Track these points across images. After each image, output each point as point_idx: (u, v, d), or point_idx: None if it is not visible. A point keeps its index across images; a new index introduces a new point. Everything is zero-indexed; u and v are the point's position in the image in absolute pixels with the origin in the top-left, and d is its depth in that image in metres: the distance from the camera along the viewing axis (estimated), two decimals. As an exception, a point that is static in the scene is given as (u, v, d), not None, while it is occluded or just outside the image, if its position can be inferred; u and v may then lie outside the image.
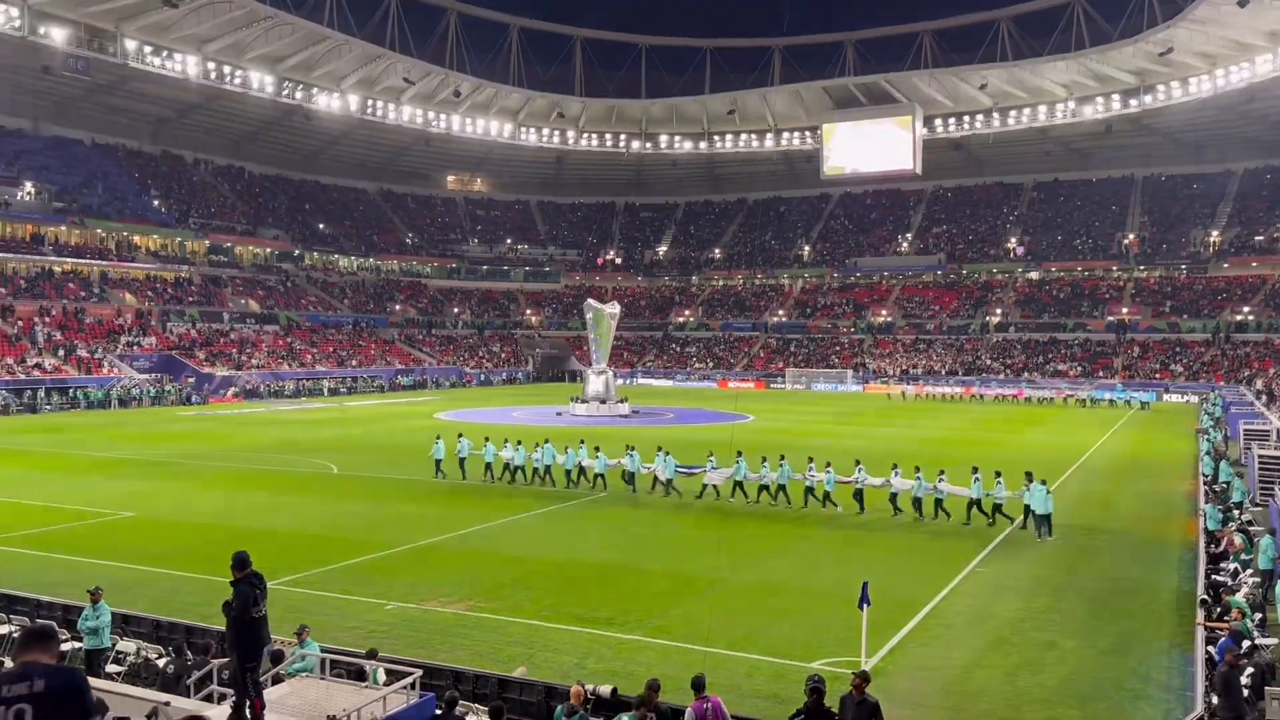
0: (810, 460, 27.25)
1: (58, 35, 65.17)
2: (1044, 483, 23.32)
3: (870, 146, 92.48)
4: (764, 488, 27.12)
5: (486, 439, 31.82)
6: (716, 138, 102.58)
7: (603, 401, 55.42)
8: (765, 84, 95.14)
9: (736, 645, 14.75)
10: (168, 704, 9.51)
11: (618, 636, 15.25)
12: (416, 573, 19.17)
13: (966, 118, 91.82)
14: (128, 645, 13.71)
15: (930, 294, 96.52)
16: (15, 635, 14.41)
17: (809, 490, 26.38)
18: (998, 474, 24.67)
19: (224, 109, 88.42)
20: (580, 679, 11.67)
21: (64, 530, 22.92)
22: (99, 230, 77.40)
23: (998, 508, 24.08)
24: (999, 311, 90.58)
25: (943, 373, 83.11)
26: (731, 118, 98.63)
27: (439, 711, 10.40)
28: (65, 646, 13.84)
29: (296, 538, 22.23)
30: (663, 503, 27.36)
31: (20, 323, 64.84)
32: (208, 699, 10.94)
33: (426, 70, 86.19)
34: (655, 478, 28.69)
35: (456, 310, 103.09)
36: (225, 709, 9.66)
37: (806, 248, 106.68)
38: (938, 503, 24.70)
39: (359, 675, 11.45)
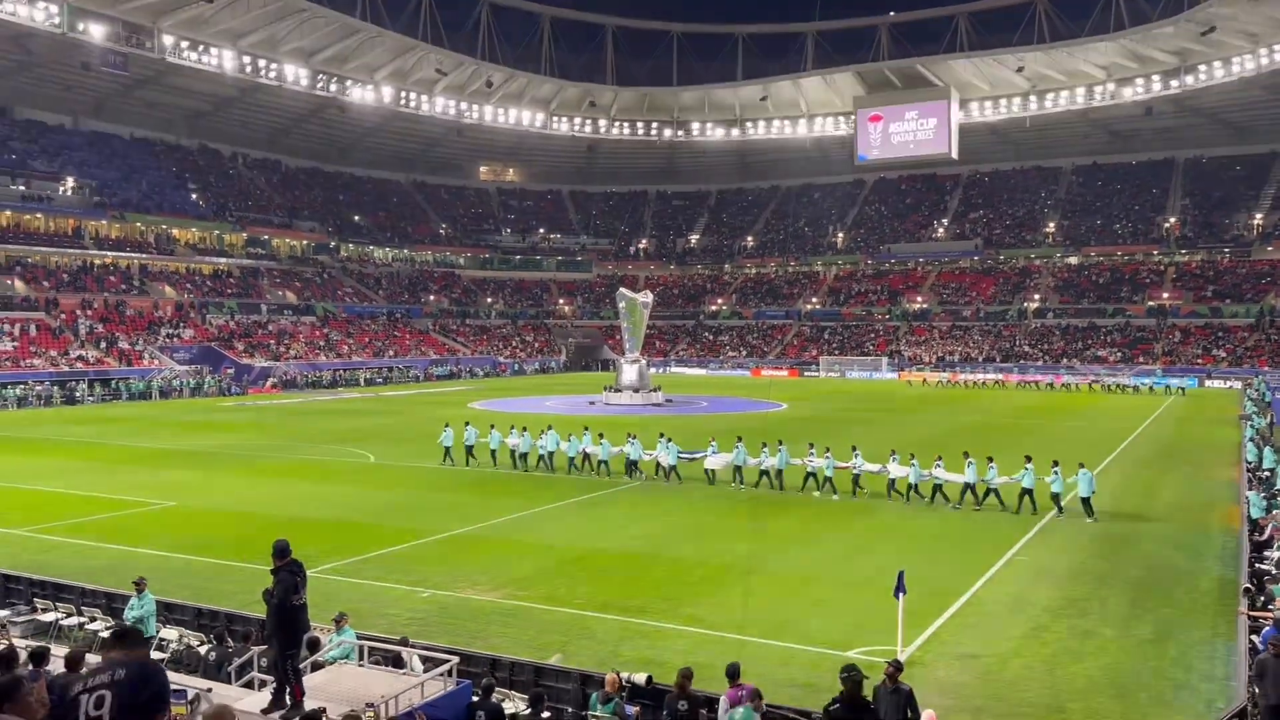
0: (811, 446, 27.42)
1: (96, 32, 66.07)
2: (1056, 464, 23.76)
3: (905, 131, 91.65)
4: (763, 473, 27.35)
5: (492, 426, 32.27)
6: (749, 125, 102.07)
7: (636, 390, 55.44)
8: (798, 70, 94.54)
9: (771, 634, 14.71)
10: (209, 690, 9.65)
11: (653, 625, 15.26)
12: (452, 561, 19.29)
13: (1003, 101, 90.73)
14: (170, 633, 13.92)
15: (967, 280, 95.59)
16: (61, 621, 14.70)
17: (809, 475, 26.53)
18: (990, 459, 25.03)
19: (260, 102, 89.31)
20: (615, 667, 11.71)
21: (107, 519, 23.30)
22: (138, 224, 78.51)
23: (991, 492, 24.27)
24: (1037, 297, 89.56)
25: (979, 359, 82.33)
26: (764, 104, 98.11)
27: (475, 698, 10.47)
28: (108, 634, 14.08)
29: (334, 526, 22.45)
30: (697, 492, 27.32)
31: (63, 315, 65.94)
32: (248, 686, 11.09)
33: (459, 61, 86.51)
34: (658, 464, 28.82)
35: (490, 300, 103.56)
36: (265, 696, 9.78)
37: (840, 234, 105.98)
38: (936, 488, 24.89)
39: (396, 662, 11.54)
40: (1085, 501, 23.18)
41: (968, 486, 24.44)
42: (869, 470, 26.06)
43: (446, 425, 32.57)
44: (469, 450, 31.64)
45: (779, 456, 27.06)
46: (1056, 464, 24.20)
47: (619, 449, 29.59)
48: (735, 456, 27.62)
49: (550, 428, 31.51)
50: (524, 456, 30.76)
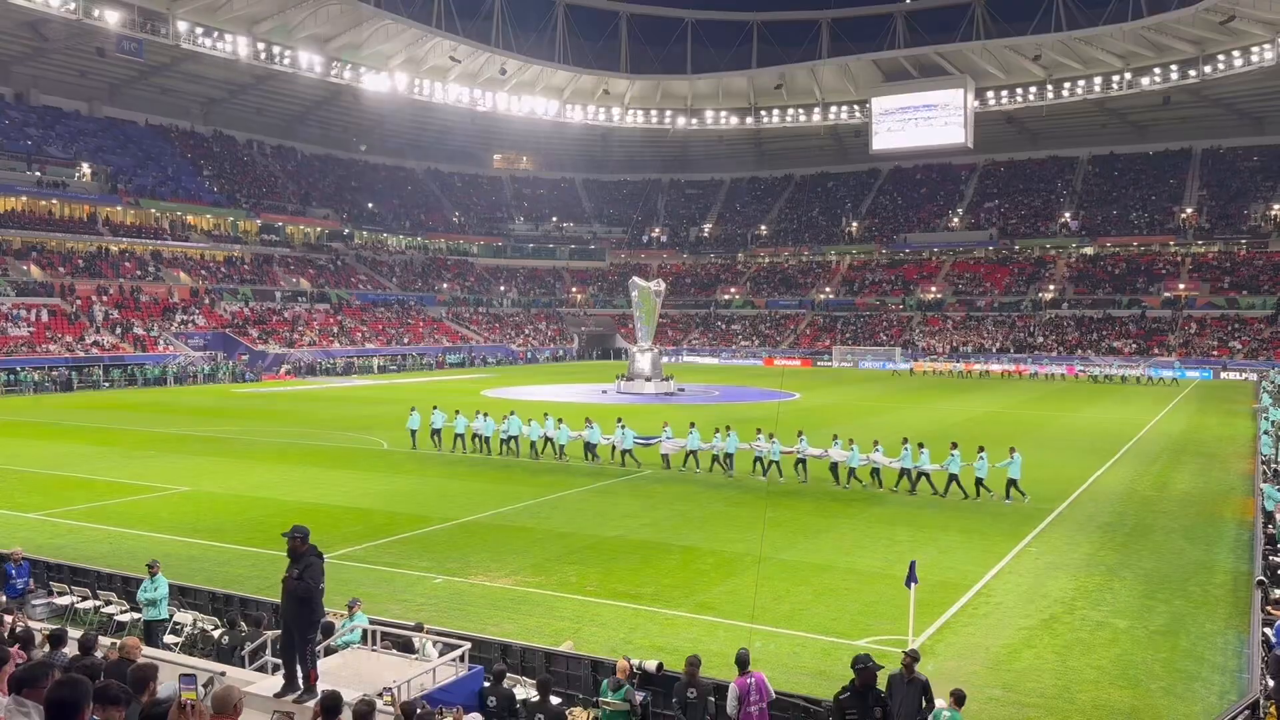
0: (759, 431, 28.01)
1: (111, 18, 66.21)
2: (981, 450, 24.88)
3: (920, 120, 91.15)
4: (714, 458, 28.20)
5: (458, 412, 32.99)
6: (763, 113, 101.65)
7: (648, 379, 55.44)
8: (813, 58, 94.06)
9: (782, 622, 14.74)
10: (223, 674, 9.72)
11: (663, 612, 15.31)
12: (464, 547, 19.37)
13: (1020, 90, 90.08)
14: (184, 617, 14.03)
15: (982, 270, 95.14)
16: (77, 604, 14.82)
17: (756, 459, 27.37)
18: (921, 445, 25.82)
19: (274, 89, 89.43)
20: (626, 654, 11.75)
21: (122, 504, 23.47)
22: (153, 210, 78.79)
23: (923, 475, 25.14)
24: (1052, 288, 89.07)
25: (994, 350, 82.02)
26: (778, 92, 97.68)
27: (487, 683, 10.52)
28: (124, 618, 14.21)
29: (348, 512, 22.57)
30: (706, 480, 27.36)
31: (79, 301, 66.31)
32: (261, 670, 11.17)
33: (473, 49, 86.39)
34: (614, 447, 29.54)
35: (503, 288, 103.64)
36: (278, 680, 9.85)
37: (854, 224, 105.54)
38: (874, 472, 25.84)
39: (407, 647, 11.61)
40: (1013, 483, 24.05)
41: (904, 472, 25.27)
42: (811, 454, 26.78)
43: (413, 409, 33.47)
44: (435, 434, 32.59)
45: (729, 440, 27.93)
46: (982, 449, 25.07)
47: (577, 433, 30.34)
48: (689, 441, 28.46)
49: (513, 412, 32.40)
50: (487, 440, 31.53)
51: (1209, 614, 15.45)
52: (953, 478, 24.55)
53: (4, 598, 13.60)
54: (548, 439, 30.69)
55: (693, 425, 29.31)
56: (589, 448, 29.97)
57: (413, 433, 32.76)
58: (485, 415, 31.99)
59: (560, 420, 31.02)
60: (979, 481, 24.45)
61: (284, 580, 9.79)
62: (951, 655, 13.51)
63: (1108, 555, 19.12)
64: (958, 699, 9.68)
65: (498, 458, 30.83)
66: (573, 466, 29.36)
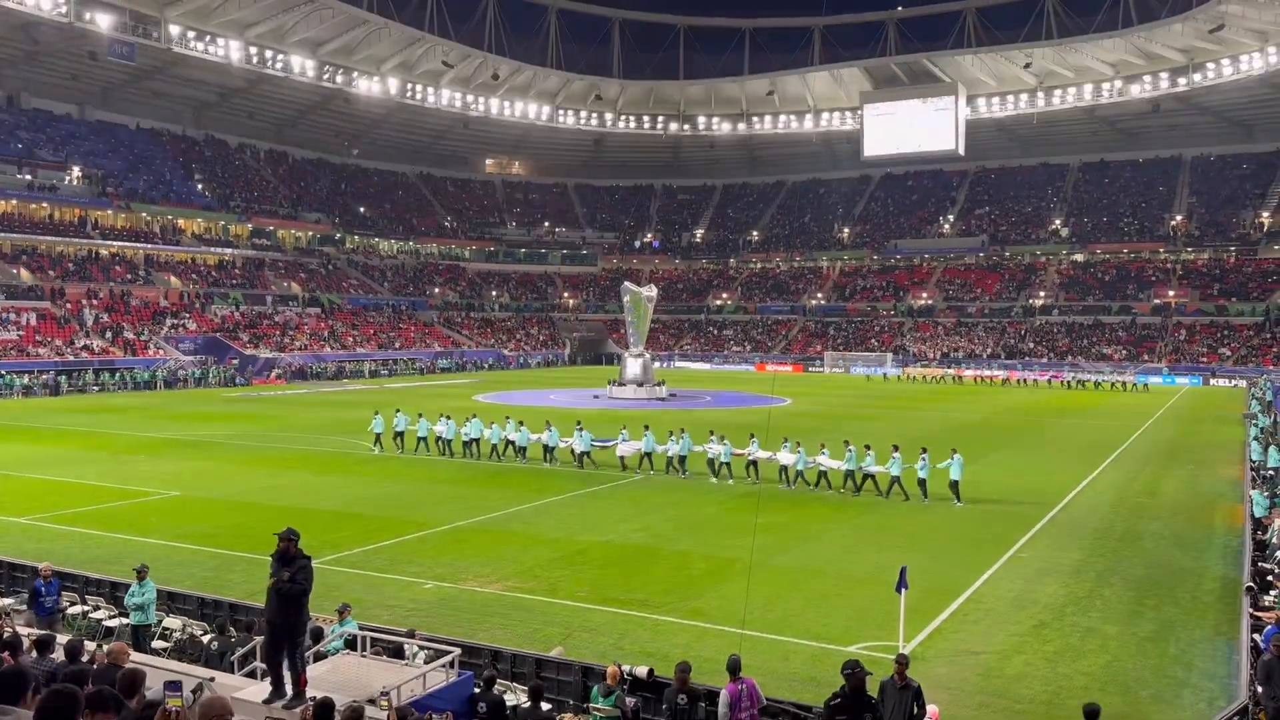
0: (711, 433, 28.92)
1: (103, 21, 66.07)
2: (924, 451, 25.29)
3: (912, 127, 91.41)
4: (669, 460, 28.94)
5: (420, 414, 33.88)
6: (755, 119, 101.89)
7: (640, 384, 55.40)
8: (805, 64, 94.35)
9: (773, 628, 14.73)
10: (212, 679, 9.67)
11: (654, 618, 15.29)
12: (455, 553, 19.33)
13: (1011, 97, 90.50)
14: (174, 622, 13.96)
15: (972, 276, 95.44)
16: (65, 609, 14.72)
17: (710, 461, 28.10)
18: (868, 447, 26.61)
19: (266, 93, 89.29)
20: (617, 660, 11.73)
21: (112, 509, 23.36)
22: (144, 214, 78.55)
23: (868, 477, 25.77)
24: (1042, 294, 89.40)
25: (984, 356, 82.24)
26: (770, 99, 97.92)
27: (477, 690, 10.50)
28: (112, 623, 14.14)
29: (338, 517, 22.51)
30: (698, 486, 27.36)
31: (69, 305, 66.06)
32: (250, 676, 11.12)
33: (465, 53, 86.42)
34: (572, 450, 30.21)
35: (494, 293, 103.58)
36: (266, 686, 9.80)
37: (846, 230, 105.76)
38: (821, 474, 26.58)
39: (398, 653, 11.58)
40: (954, 485, 24.68)
41: (848, 474, 25.90)
42: (761, 457, 27.39)
43: (376, 413, 34.33)
44: (398, 436, 33.15)
45: (682, 443, 28.62)
46: (925, 450, 25.42)
47: (536, 436, 31.01)
48: (644, 444, 29.19)
49: (474, 415, 33.13)
50: (449, 443, 32.12)
51: (1198, 620, 15.50)
52: (895, 479, 25.05)
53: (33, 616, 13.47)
54: (509, 441, 31.42)
55: (647, 428, 30.07)
56: (547, 450, 30.58)
57: (376, 436, 33.49)
58: (448, 418, 32.65)
59: (521, 423, 31.88)
60: (922, 483, 24.86)
61: (273, 583, 9.73)
62: (942, 661, 13.52)
63: (1097, 561, 19.16)
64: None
65: (473, 461, 30.83)
66: (563, 472, 29.37)
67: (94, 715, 4.65)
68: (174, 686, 5.18)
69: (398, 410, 34.27)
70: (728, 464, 27.66)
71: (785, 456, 26.94)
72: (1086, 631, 14.84)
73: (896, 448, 25.84)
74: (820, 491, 26.20)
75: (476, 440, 31.80)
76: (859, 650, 13.31)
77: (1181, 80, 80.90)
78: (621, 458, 29.74)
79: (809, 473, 26.81)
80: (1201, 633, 14.89)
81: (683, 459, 28.61)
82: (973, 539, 20.97)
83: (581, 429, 30.38)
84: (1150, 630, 14.95)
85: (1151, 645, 14.30)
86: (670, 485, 27.48)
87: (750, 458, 27.52)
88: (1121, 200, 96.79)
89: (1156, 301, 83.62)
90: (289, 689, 9.53)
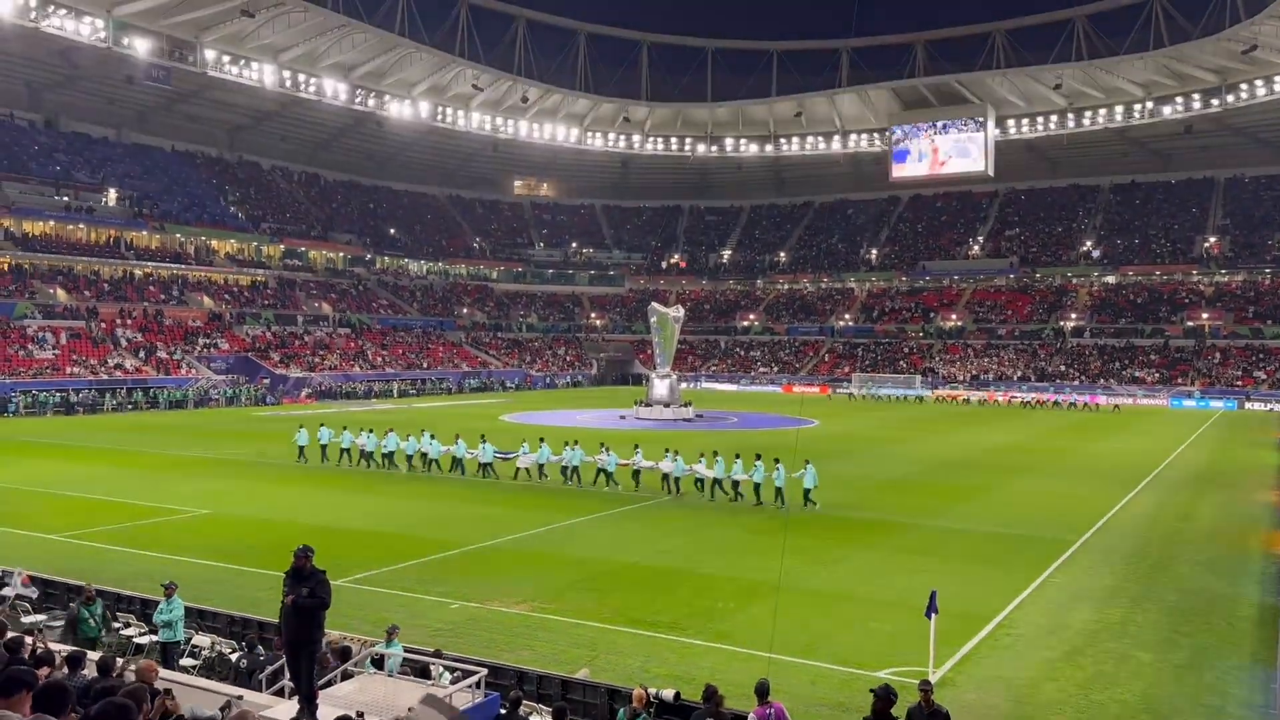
0: (602, 445, 31.05)
1: (140, 46, 67.22)
2: (808, 462, 26.89)
3: (941, 148, 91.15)
4: (563, 470, 30.75)
5: (344, 427, 35.93)
6: (783, 140, 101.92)
7: (667, 405, 55.34)
8: (833, 86, 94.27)
9: (801, 652, 14.62)
10: (240, 698, 9.72)
11: (681, 640, 15.21)
12: (481, 573, 19.34)
13: (1040, 118, 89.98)
14: (202, 640, 14.04)
15: (1002, 298, 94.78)
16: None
17: (599, 471, 30.00)
18: (737, 455, 28.92)
19: (299, 116, 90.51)
20: (643, 682, 11.67)
21: (143, 526, 23.57)
22: (178, 235, 79.65)
23: (736, 484, 27.85)
24: (1073, 316, 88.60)
25: (1014, 378, 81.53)
26: (798, 120, 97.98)
27: (503, 711, 10.47)
28: (143, 640, 14.24)
29: (366, 536, 22.60)
30: (722, 508, 27.24)
31: (103, 325, 66.95)
32: (279, 694, 11.16)
33: (495, 77, 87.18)
34: (478, 462, 31.99)
35: (522, 313, 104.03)
36: (294, 704, 9.83)
37: (874, 251, 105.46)
38: (698, 482, 28.66)
39: (424, 673, 11.57)
40: (807, 493, 26.42)
41: (716, 481, 28.07)
42: (645, 466, 29.62)
43: (301, 426, 36.28)
44: (323, 449, 35.15)
45: (574, 454, 30.49)
46: (778, 460, 27.18)
47: (446, 448, 33.06)
48: (540, 455, 31.17)
49: (391, 429, 35.05)
50: (370, 455, 33.99)
51: (1234, 647, 15.23)
52: (756, 486, 27.19)
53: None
54: (423, 454, 33.25)
55: (543, 440, 32.39)
56: (455, 462, 32.67)
57: (301, 448, 35.02)
58: (369, 431, 34.69)
59: (433, 436, 33.81)
60: (778, 491, 26.66)
61: (289, 600, 9.74)
62: (972, 687, 13.36)
63: (1131, 587, 18.89)
64: None
65: (498, 481, 30.90)
66: (587, 492, 29.33)
67: None
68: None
69: (321, 424, 36.40)
70: (610, 473, 29.69)
71: (665, 465, 28.91)
72: (1120, 658, 14.62)
73: (759, 456, 27.81)
74: (603, 489, 29.05)
75: (393, 453, 33.68)
76: (888, 675, 13.18)
77: (1214, 101, 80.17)
78: (521, 469, 31.23)
79: (685, 480, 28.72)
80: (1238, 660, 14.62)
81: (575, 469, 30.35)
82: (1003, 563, 20.74)
83: (485, 441, 32.39)
84: (1185, 657, 14.71)
85: (1187, 673, 14.06)
86: (694, 507, 27.39)
87: (635, 467, 29.63)
88: (1153, 222, 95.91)
89: (1190, 324, 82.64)
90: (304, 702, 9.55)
